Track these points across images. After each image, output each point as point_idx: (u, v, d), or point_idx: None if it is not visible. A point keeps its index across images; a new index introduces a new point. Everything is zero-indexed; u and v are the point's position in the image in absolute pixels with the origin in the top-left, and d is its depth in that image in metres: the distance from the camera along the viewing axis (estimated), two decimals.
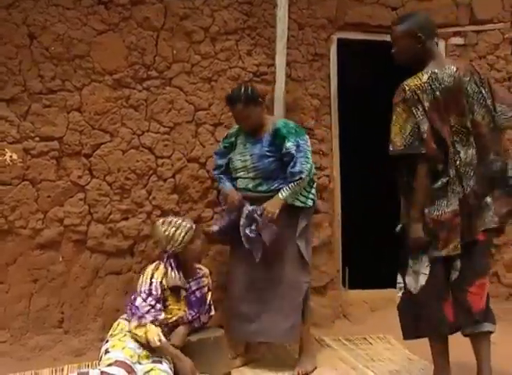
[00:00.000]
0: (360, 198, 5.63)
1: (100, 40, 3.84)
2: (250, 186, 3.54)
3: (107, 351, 3.03)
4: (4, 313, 3.71)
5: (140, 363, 3.01)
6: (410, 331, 3.09)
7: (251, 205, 3.46)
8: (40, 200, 3.76)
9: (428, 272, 2.99)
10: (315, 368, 3.57)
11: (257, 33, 4.13)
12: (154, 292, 3.18)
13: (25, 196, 3.73)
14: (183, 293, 3.33)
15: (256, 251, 3.44)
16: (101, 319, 3.81)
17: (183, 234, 3.28)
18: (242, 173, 3.58)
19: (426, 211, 2.91)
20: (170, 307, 3.27)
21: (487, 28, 4.49)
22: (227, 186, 3.63)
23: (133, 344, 3.06)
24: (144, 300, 3.15)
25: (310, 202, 3.51)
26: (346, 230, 4.52)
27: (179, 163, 3.99)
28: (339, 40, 4.36)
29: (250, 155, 3.53)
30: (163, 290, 3.23)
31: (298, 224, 3.50)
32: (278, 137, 3.47)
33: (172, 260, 3.29)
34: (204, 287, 3.45)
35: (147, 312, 3.12)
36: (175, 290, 3.29)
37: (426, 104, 2.85)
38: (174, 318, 3.27)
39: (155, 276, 3.25)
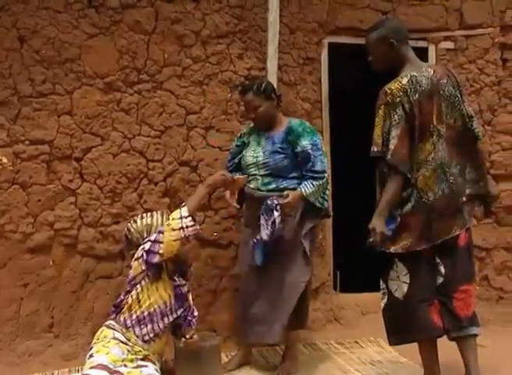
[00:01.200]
0: (352, 201, 5.63)
1: (91, 43, 3.83)
2: (259, 184, 3.51)
3: (91, 356, 3.02)
4: None
5: (125, 366, 3.00)
6: (396, 337, 3.12)
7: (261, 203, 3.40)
8: (31, 204, 3.75)
9: (408, 280, 3.02)
10: (296, 371, 3.56)
11: (248, 37, 4.13)
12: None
13: (15, 200, 3.72)
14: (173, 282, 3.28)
15: (257, 255, 3.43)
16: (91, 323, 3.79)
17: (160, 218, 3.24)
18: (252, 170, 3.55)
19: (396, 214, 2.97)
20: (161, 281, 3.16)
21: (477, 33, 4.51)
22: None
23: (117, 350, 3.03)
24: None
25: (326, 204, 3.52)
26: (338, 234, 4.53)
27: (170, 167, 3.98)
28: (330, 44, 4.37)
29: (263, 151, 3.52)
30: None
31: (305, 224, 3.48)
32: (292, 135, 3.47)
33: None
34: (185, 285, 3.36)
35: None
36: (180, 270, 3.25)
37: (407, 106, 2.89)
38: (156, 296, 3.14)
39: None
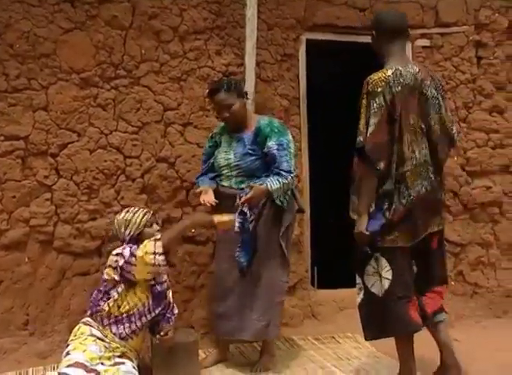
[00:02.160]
0: (329, 197, 5.66)
1: (66, 38, 3.79)
2: (232, 183, 3.52)
3: (67, 354, 3.00)
4: None
5: (102, 364, 2.99)
6: (373, 332, 3.13)
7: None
8: (5, 200, 3.70)
9: (390, 276, 3.02)
10: (273, 366, 3.58)
11: (226, 33, 4.12)
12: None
13: None
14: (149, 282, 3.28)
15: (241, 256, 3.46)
16: (67, 320, 3.76)
17: (140, 217, 3.24)
18: (225, 171, 3.55)
19: (387, 213, 2.96)
20: (137, 288, 3.16)
21: (452, 31, 4.56)
22: (204, 183, 3.58)
23: (94, 347, 3.02)
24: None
25: (285, 203, 3.49)
26: (316, 230, 4.55)
27: (147, 163, 3.96)
28: (307, 40, 4.38)
29: (234, 154, 3.52)
30: None
31: (282, 223, 3.50)
32: (260, 136, 3.47)
33: (133, 246, 3.17)
34: (164, 282, 3.35)
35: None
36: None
37: (388, 97, 2.91)
38: (135, 300, 3.15)
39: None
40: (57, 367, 3.27)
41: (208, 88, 3.63)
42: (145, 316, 3.20)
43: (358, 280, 3.13)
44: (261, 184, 3.36)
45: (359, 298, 3.14)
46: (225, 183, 3.55)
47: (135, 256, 3.05)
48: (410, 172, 2.98)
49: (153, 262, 3.02)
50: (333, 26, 4.39)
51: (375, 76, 2.96)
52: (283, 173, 3.40)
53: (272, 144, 3.43)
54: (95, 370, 2.91)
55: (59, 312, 3.77)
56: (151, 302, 3.22)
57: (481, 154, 4.65)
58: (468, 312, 4.55)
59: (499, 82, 4.67)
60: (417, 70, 3.02)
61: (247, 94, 3.61)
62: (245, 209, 3.37)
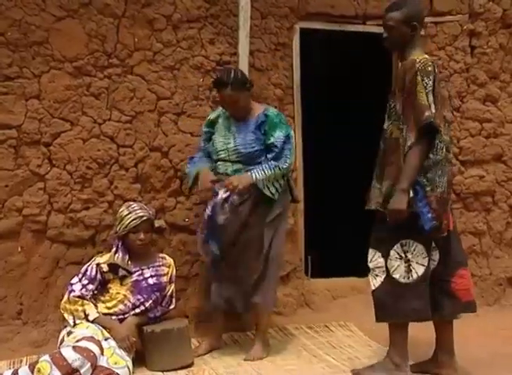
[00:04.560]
0: (323, 187, 5.68)
1: (59, 26, 3.75)
2: (228, 170, 3.52)
3: (70, 333, 3.08)
4: None
5: (105, 340, 3.09)
6: (388, 315, 3.09)
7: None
8: None
9: (426, 263, 3.01)
10: (267, 355, 3.59)
11: (219, 22, 4.10)
12: (88, 273, 3.30)
13: None
14: (130, 278, 3.35)
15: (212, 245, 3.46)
16: None
17: (130, 219, 3.31)
18: (223, 156, 3.55)
19: (428, 189, 2.93)
20: (111, 291, 3.30)
21: (446, 19, 4.55)
22: (199, 167, 3.57)
23: (93, 325, 3.16)
24: (80, 279, 3.29)
25: (276, 195, 3.49)
26: (310, 219, 4.56)
27: (141, 152, 3.95)
28: (301, 29, 4.37)
29: (234, 138, 3.52)
30: (102, 272, 3.32)
31: (271, 212, 3.51)
32: (268, 125, 3.47)
33: (120, 242, 3.37)
34: (162, 275, 3.45)
35: (79, 290, 3.25)
36: (117, 272, 3.33)
37: (435, 76, 2.95)
38: (114, 301, 3.28)
39: (95, 258, 3.38)
40: None
41: (214, 81, 3.60)
42: (128, 312, 3.34)
43: (381, 261, 3.05)
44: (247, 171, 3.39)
45: (377, 280, 3.07)
46: (220, 170, 3.54)
47: (70, 292, 3.32)
48: (448, 153, 3.03)
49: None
50: (327, 14, 4.37)
51: (420, 57, 2.96)
52: (277, 165, 3.41)
53: (280, 135, 3.44)
54: (101, 345, 2.97)
55: (53, 301, 3.76)
56: (132, 300, 3.30)
57: (475, 143, 4.66)
58: None
59: (492, 71, 4.67)
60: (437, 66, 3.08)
61: (252, 84, 3.60)
62: (223, 197, 3.36)
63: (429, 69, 2.92)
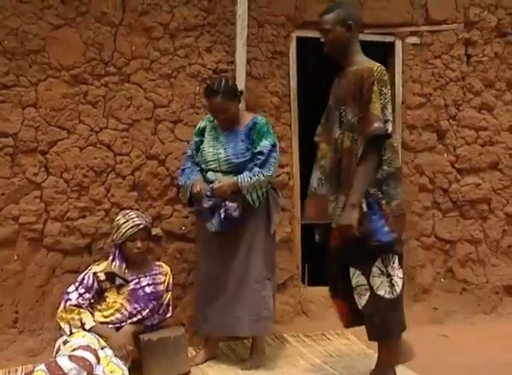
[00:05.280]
0: None
1: (56, 35, 3.76)
2: (220, 178, 3.51)
3: (66, 342, 3.07)
4: None
5: (102, 349, 3.08)
6: (379, 334, 3.04)
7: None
8: None
9: (402, 275, 2.98)
10: (264, 363, 3.58)
11: (216, 30, 4.11)
12: (85, 281, 3.30)
13: None
14: (127, 287, 3.34)
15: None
16: None
17: (127, 228, 3.32)
18: (213, 166, 3.55)
19: (383, 201, 2.89)
20: (108, 299, 3.29)
21: (442, 28, 4.58)
22: (191, 179, 3.56)
23: (90, 334, 3.15)
24: (76, 288, 3.28)
25: (257, 203, 3.46)
26: (306, 227, 4.55)
27: (138, 160, 3.95)
28: (298, 38, 4.38)
29: (224, 148, 3.52)
30: (99, 281, 3.31)
31: (271, 220, 3.52)
32: (256, 133, 3.48)
33: (116, 250, 3.37)
34: (159, 284, 3.44)
35: (76, 298, 3.24)
36: (114, 281, 3.33)
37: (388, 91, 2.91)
38: (110, 310, 3.27)
39: (92, 267, 3.38)
40: None
41: (205, 89, 3.60)
42: (125, 321, 3.33)
43: (363, 280, 2.97)
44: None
45: (362, 299, 3.00)
46: (211, 179, 3.54)
47: (67, 301, 3.30)
48: (398, 170, 2.99)
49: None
50: None
51: (374, 66, 2.91)
52: (261, 172, 3.41)
53: (267, 143, 3.45)
54: (97, 354, 2.96)
55: (49, 309, 3.74)
56: (129, 308, 3.31)
57: (471, 151, 4.67)
58: (457, 308, 4.58)
59: (488, 80, 4.69)
60: None
61: (242, 93, 3.62)
62: (211, 203, 3.43)
63: (385, 78, 2.88)
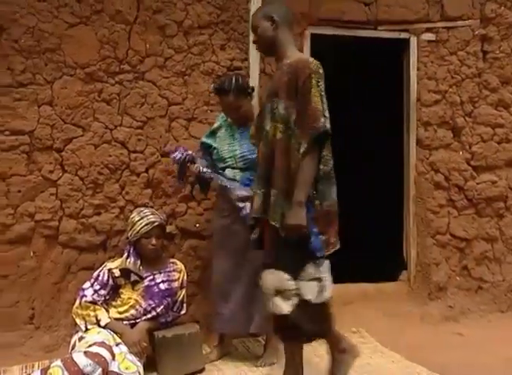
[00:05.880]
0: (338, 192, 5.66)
1: (71, 33, 3.79)
2: (237, 177, 3.53)
3: (81, 338, 3.09)
4: None
5: (117, 345, 3.11)
6: (295, 336, 2.88)
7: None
8: (11, 195, 3.71)
9: (331, 279, 2.83)
10: (278, 360, 3.55)
11: (230, 28, 4.11)
12: (100, 278, 3.32)
13: None
14: (142, 283, 3.36)
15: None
16: None
17: (142, 225, 3.33)
18: (230, 163, 3.56)
19: (317, 201, 2.75)
20: (123, 296, 3.31)
21: (458, 25, 4.54)
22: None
23: (105, 331, 3.17)
24: (91, 284, 3.31)
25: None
26: None
27: (152, 158, 3.96)
28: (312, 35, 4.37)
29: (240, 146, 3.52)
30: (114, 277, 3.33)
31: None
32: None
33: (131, 247, 3.39)
34: (173, 281, 3.46)
35: (91, 295, 3.27)
36: (129, 277, 3.35)
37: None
38: (125, 306, 3.29)
39: (107, 264, 3.40)
40: None
41: (216, 86, 3.57)
42: (140, 318, 3.34)
43: (291, 285, 2.76)
44: None
45: (289, 304, 2.77)
46: (228, 176, 3.55)
47: (82, 296, 3.33)
48: (332, 170, 2.83)
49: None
50: (338, 20, 4.37)
51: (310, 59, 2.81)
52: None
53: None
54: (112, 350, 2.99)
55: (64, 306, 3.78)
56: (144, 305, 3.33)
57: (487, 148, 4.63)
58: (473, 306, 4.55)
59: (504, 76, 4.65)
60: None
61: (253, 90, 3.61)
62: (240, 204, 3.41)
63: (321, 71, 2.75)
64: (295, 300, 2.76)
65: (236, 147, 3.53)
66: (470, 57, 4.57)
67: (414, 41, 4.52)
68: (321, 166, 2.76)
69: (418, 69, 4.53)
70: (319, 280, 2.78)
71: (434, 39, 4.53)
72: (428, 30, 4.52)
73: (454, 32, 4.54)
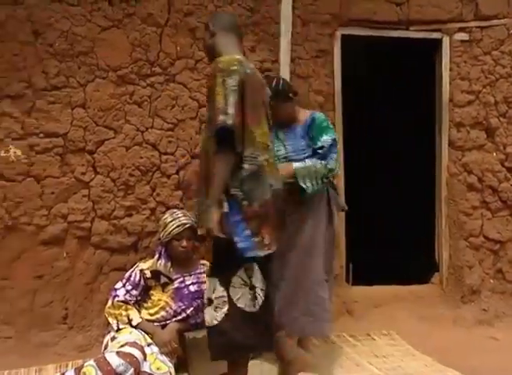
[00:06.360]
0: (365, 193, 5.63)
1: (104, 36, 3.84)
2: None
3: (113, 338, 3.12)
4: (9, 309, 3.73)
5: (148, 346, 3.14)
6: (231, 352, 2.77)
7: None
8: (45, 196, 3.77)
9: (264, 286, 2.75)
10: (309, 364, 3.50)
11: (261, 30, 4.12)
12: (132, 278, 3.35)
13: (29, 192, 3.74)
14: (172, 285, 3.38)
15: None
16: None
17: (173, 227, 3.35)
18: None
19: (245, 202, 2.67)
20: (153, 297, 3.33)
21: (492, 24, 4.46)
22: None
23: (136, 331, 3.20)
24: (124, 285, 3.34)
25: (310, 189, 3.34)
26: (351, 227, 4.53)
27: (183, 160, 3.99)
28: (343, 36, 4.34)
29: (284, 146, 3.51)
30: (145, 278, 3.36)
31: (333, 220, 3.47)
32: (316, 129, 3.43)
33: (162, 248, 3.41)
34: (203, 283, 3.44)
35: (123, 295, 3.30)
36: (159, 279, 3.37)
37: (242, 76, 2.70)
38: (156, 308, 3.31)
39: (139, 264, 3.43)
40: None
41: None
42: (170, 319, 3.35)
43: (221, 291, 2.72)
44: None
45: (220, 312, 2.71)
46: None
47: (114, 297, 3.36)
48: (267, 161, 2.75)
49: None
50: (369, 21, 4.34)
51: (225, 59, 2.75)
52: (319, 161, 3.35)
53: (327, 138, 3.40)
54: (144, 351, 3.01)
55: (97, 306, 3.83)
56: (174, 306, 3.34)
57: None
58: (507, 310, 4.46)
59: None
60: (256, 70, 2.93)
61: (296, 94, 3.57)
62: None
63: (233, 68, 2.66)
64: (225, 308, 2.69)
65: (280, 147, 3.50)
66: (505, 56, 4.49)
67: (446, 40, 4.46)
68: (246, 166, 2.69)
69: (451, 69, 4.47)
70: (252, 287, 2.72)
71: (467, 39, 4.46)
72: (461, 29, 4.45)
73: (488, 31, 4.46)
